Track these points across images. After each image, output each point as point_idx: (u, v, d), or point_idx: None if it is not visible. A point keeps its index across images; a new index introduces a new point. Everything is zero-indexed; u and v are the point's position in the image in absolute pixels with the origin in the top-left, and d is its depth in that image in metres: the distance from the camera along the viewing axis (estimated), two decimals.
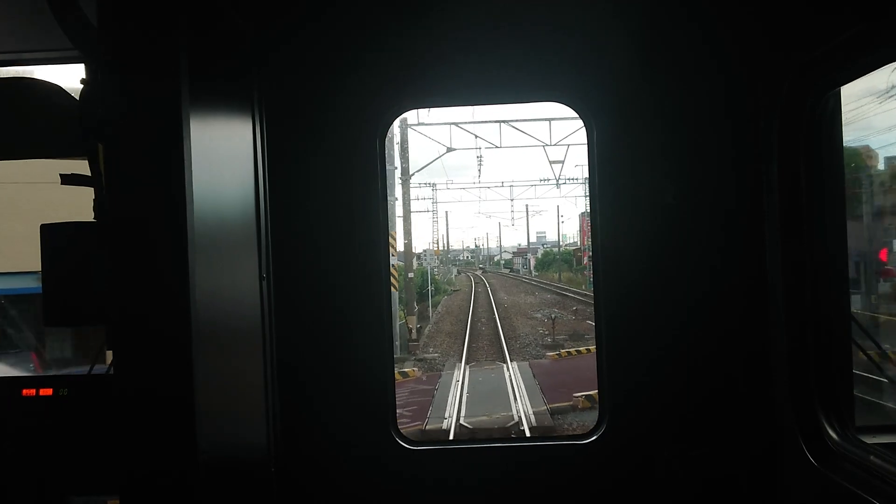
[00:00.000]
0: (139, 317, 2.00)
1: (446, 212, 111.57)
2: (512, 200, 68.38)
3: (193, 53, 2.12)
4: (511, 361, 24.34)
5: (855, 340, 3.17)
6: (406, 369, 23.74)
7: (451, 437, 15.11)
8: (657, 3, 3.37)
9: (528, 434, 15.30)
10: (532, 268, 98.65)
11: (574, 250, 78.93)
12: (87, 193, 2.39)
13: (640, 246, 3.37)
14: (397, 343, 25.86)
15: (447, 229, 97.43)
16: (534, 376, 21.81)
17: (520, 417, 16.85)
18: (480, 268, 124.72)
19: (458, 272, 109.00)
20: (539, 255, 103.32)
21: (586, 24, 3.40)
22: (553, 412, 17.72)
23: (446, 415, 17.37)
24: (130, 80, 2.01)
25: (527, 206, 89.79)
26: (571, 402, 18.39)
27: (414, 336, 31.21)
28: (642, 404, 3.37)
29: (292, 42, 3.41)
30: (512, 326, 34.67)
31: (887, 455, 2.65)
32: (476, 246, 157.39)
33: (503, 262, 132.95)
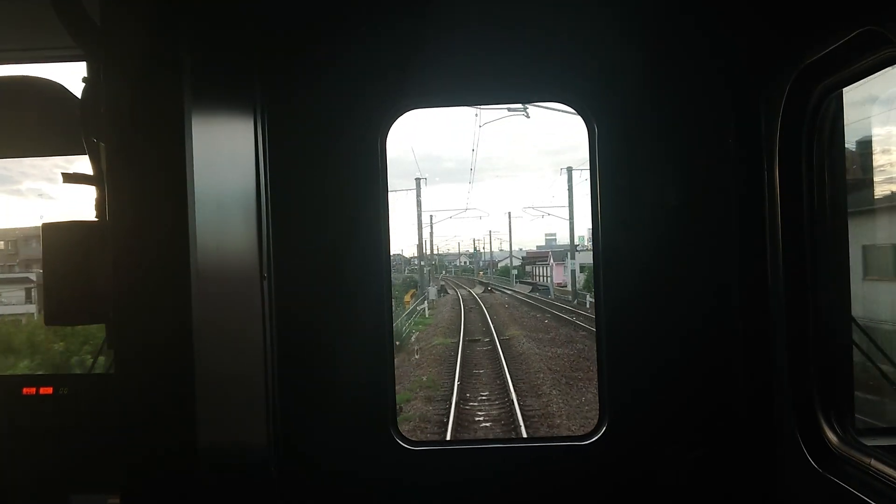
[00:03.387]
0: (140, 316, 2.01)
1: (418, 179, 57.39)
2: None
3: (196, 53, 2.14)
4: None
5: (856, 343, 3.16)
6: None
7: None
8: (659, 6, 3.38)
9: None
10: (579, 286, 53.69)
11: None
12: None
13: (642, 247, 3.38)
14: None
15: (429, 225, 62.72)
16: None
17: None
18: (481, 282, 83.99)
19: (442, 290, 65.85)
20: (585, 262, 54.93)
21: (588, 26, 3.41)
22: None
23: None
24: (133, 79, 2.03)
25: (569, 168, 53.26)
26: None
27: None
28: (643, 406, 3.37)
29: (294, 42, 3.43)
30: None
31: (888, 457, 2.63)
32: (475, 249, 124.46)
33: (514, 270, 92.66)
